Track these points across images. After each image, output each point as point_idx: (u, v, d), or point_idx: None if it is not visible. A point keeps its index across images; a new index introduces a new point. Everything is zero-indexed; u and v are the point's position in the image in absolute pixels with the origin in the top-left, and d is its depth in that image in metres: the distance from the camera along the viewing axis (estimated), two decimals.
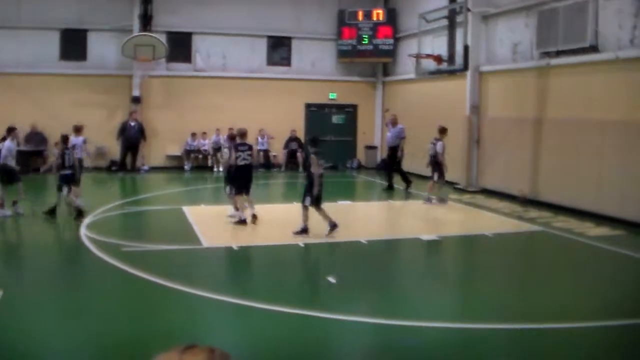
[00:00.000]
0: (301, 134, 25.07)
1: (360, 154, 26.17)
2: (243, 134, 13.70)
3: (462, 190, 18.63)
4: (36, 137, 21.85)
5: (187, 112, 23.56)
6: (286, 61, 25.31)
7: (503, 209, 15.87)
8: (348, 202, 17.62)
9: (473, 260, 12.01)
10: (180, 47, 23.73)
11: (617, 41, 13.92)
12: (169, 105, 23.63)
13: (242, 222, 13.23)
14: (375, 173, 23.59)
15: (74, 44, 22.87)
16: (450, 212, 16.08)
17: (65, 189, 13.69)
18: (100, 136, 22.78)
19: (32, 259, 10.94)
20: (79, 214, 13.52)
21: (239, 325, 7.62)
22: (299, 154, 24.28)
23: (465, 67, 17.92)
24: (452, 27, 18.58)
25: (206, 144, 23.88)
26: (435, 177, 16.53)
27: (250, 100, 24.05)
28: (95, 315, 7.70)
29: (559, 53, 15.64)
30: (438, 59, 18.74)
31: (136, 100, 23.04)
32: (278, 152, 24.78)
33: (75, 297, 8.57)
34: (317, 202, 12.20)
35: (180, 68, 24.03)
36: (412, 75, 21.28)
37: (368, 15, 24.69)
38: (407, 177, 19.16)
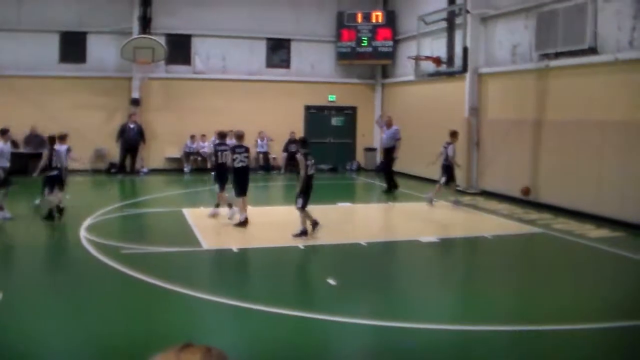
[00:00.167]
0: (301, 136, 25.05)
1: (360, 156, 26.17)
2: (240, 136, 13.76)
3: (462, 192, 18.61)
4: (35, 140, 21.82)
5: (187, 114, 23.56)
6: (285, 63, 25.33)
7: (503, 210, 15.87)
8: (347, 204, 17.63)
9: (473, 262, 12.01)
10: (179, 49, 23.75)
11: (616, 43, 13.93)
12: (169, 107, 23.63)
13: (243, 223, 13.24)
14: (375, 175, 23.58)
15: (73, 47, 22.88)
16: (450, 214, 16.08)
17: (47, 190, 13.68)
18: (100, 138, 22.84)
19: (32, 261, 10.93)
20: (59, 211, 13.62)
21: (239, 328, 7.62)
22: (298, 156, 24.22)
23: (465, 69, 17.93)
24: (451, 29, 18.60)
25: (205, 147, 23.84)
26: (443, 180, 16.47)
27: (249, 102, 24.07)
28: (94, 318, 7.69)
29: (558, 55, 15.66)
30: (437, 61, 18.75)
31: (135, 102, 23.04)
32: (277, 155, 24.78)
33: (74, 299, 8.55)
34: (296, 200, 12.25)
35: (179, 70, 24.04)
36: (411, 77, 21.29)
37: (367, 17, 24.70)
38: (391, 182, 19.12)
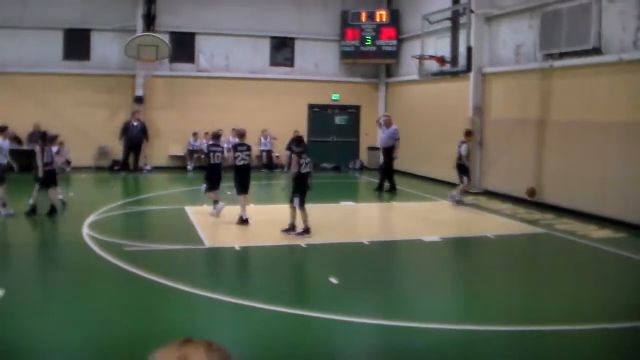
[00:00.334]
0: (304, 135, 25.04)
1: (363, 155, 26.17)
2: (242, 134, 13.82)
3: (465, 192, 18.57)
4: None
5: (190, 112, 23.59)
6: (289, 62, 25.33)
7: (506, 210, 15.85)
8: (351, 203, 17.63)
9: (475, 262, 11.99)
10: (183, 47, 23.77)
11: (621, 43, 13.90)
12: (172, 105, 23.66)
13: (245, 221, 13.26)
14: (378, 174, 23.55)
15: (77, 44, 22.91)
16: (453, 214, 16.06)
17: (37, 186, 13.71)
18: (103, 136, 22.88)
19: (34, 259, 10.97)
20: (33, 210, 13.66)
21: (241, 326, 7.62)
22: (292, 155, 24.26)
23: (469, 68, 17.90)
24: (455, 29, 18.56)
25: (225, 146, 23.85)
26: (466, 181, 16.46)
27: (253, 101, 24.08)
28: (96, 315, 7.70)
29: (562, 55, 15.62)
30: (441, 60, 18.73)
31: (139, 100, 23.06)
32: (281, 153, 24.77)
33: (77, 297, 8.57)
34: (292, 200, 12.29)
35: (183, 68, 24.06)
36: (415, 77, 21.23)
37: (371, 16, 24.69)
38: (384, 182, 19.09)
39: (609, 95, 14.18)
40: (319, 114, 25.73)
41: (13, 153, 15.09)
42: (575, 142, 15.17)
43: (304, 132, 24.96)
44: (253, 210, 14.10)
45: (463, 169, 16.49)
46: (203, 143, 23.66)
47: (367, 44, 24.75)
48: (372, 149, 25.83)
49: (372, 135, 26.04)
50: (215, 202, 14.11)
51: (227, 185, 14.43)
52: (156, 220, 15.19)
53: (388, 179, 19.28)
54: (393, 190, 19.11)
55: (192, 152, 23.85)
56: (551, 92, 16.07)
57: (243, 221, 13.25)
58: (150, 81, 23.28)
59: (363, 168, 25.82)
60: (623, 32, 13.83)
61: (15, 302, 8.07)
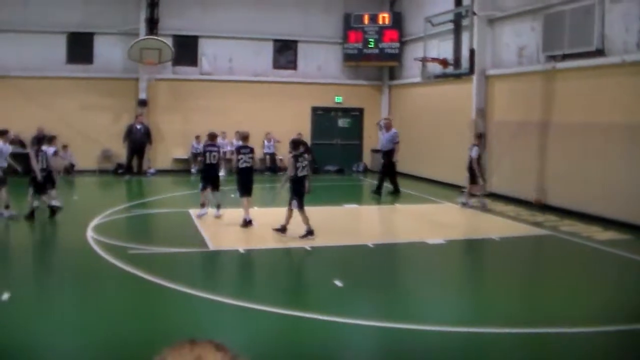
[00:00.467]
0: (308, 138, 25.10)
1: (367, 158, 26.18)
2: (245, 137, 13.87)
3: (464, 195, 18.57)
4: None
5: (194, 115, 23.61)
6: (292, 65, 25.36)
7: (509, 212, 15.83)
8: (354, 206, 17.63)
9: (480, 264, 12.00)
10: (186, 50, 23.81)
11: (624, 45, 13.89)
12: (175, 108, 23.69)
13: (248, 223, 13.29)
14: (377, 177, 23.55)
15: (80, 48, 22.95)
16: (457, 216, 16.06)
17: (31, 189, 13.73)
18: (107, 139, 22.91)
19: (39, 261, 10.99)
20: (31, 214, 13.66)
21: (245, 328, 7.63)
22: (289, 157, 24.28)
23: (471, 70, 17.91)
24: (458, 31, 18.59)
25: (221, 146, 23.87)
26: (481, 182, 16.29)
27: (256, 103, 24.12)
28: (101, 317, 7.71)
29: (565, 57, 15.62)
30: (444, 62, 18.75)
31: (142, 103, 23.10)
32: (284, 156, 24.76)
33: (81, 299, 8.59)
34: (290, 202, 12.31)
35: (186, 71, 24.09)
36: (418, 79, 21.28)
37: (374, 19, 24.71)
38: (382, 185, 19.04)
39: (612, 96, 14.16)
40: (322, 117, 25.76)
41: (17, 156, 15.15)
42: (578, 144, 15.16)
43: (307, 134, 25.02)
44: (256, 213, 14.10)
45: (472, 172, 16.28)
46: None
47: (369, 46, 24.77)
48: (376, 151, 25.80)
49: (374, 138, 26.02)
50: (202, 205, 14.29)
51: (231, 188, 14.45)
52: (160, 223, 15.20)
53: (390, 181, 19.22)
54: (396, 192, 19.08)
55: (195, 155, 23.82)
56: (554, 93, 16.07)
57: (246, 223, 13.27)
58: (153, 84, 23.32)
59: (366, 170, 25.81)
60: (626, 33, 13.83)
61: (20, 304, 8.09)
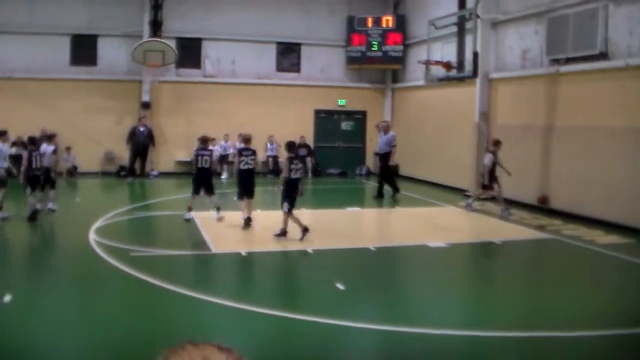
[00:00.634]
0: (310, 141, 25.13)
1: (369, 161, 26.14)
2: (247, 139, 13.93)
3: (471, 197, 18.54)
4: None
5: (197, 117, 23.62)
6: (295, 67, 25.37)
7: (512, 216, 15.78)
8: (356, 209, 17.61)
9: (481, 268, 11.97)
10: (189, 52, 23.84)
11: (627, 48, 13.86)
12: (179, 110, 23.71)
13: (247, 221, 13.38)
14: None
15: (84, 50, 23.01)
16: (459, 219, 16.03)
17: (28, 190, 13.74)
18: (110, 141, 22.93)
19: (41, 263, 10.98)
20: (34, 215, 13.62)
21: (247, 330, 7.61)
22: (308, 160, 24.31)
23: (475, 73, 17.91)
24: (461, 34, 18.59)
25: (215, 150, 23.86)
26: (496, 187, 15.87)
27: (259, 106, 24.12)
28: (103, 319, 7.70)
29: (568, 60, 15.59)
30: (447, 65, 18.75)
31: (146, 105, 23.12)
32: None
33: (83, 301, 8.59)
34: (282, 205, 12.35)
35: (189, 74, 24.11)
36: (421, 82, 21.29)
37: (377, 21, 24.71)
38: (383, 189, 18.95)
39: (616, 100, 14.13)
40: (325, 119, 25.75)
41: (19, 158, 15.16)
42: (581, 147, 15.12)
43: (310, 137, 25.06)
44: (259, 216, 14.10)
45: (490, 176, 15.85)
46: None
47: (373, 49, 24.76)
48: (376, 154, 25.80)
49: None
50: (189, 209, 14.30)
51: (234, 191, 14.44)
52: (162, 226, 15.20)
53: (389, 183, 19.09)
54: (396, 192, 18.92)
55: None
56: (557, 97, 16.04)
57: (245, 220, 13.32)
58: (156, 86, 23.34)
59: (369, 173, 25.78)
60: (630, 36, 13.80)
61: (21, 306, 8.09)
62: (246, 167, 13.48)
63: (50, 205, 14.71)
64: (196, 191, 14.35)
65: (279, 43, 25.01)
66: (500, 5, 18.38)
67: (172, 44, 22.80)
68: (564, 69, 15.72)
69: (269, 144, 24.21)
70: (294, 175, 12.32)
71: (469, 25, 18.30)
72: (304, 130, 24.83)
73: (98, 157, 23.07)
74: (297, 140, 24.19)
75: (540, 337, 7.33)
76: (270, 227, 13.06)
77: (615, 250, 11.95)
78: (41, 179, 14.07)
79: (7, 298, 8.12)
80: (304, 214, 15.18)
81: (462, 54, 18.54)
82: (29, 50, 22.21)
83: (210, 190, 14.39)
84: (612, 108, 14.22)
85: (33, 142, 14.25)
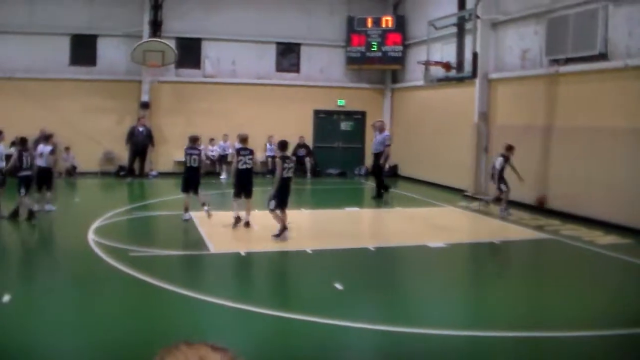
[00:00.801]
0: (310, 141, 25.12)
1: (369, 161, 26.03)
2: (244, 138, 13.97)
3: (471, 198, 18.56)
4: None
5: (196, 118, 23.59)
6: (295, 67, 25.37)
7: (512, 216, 15.77)
8: (355, 209, 17.60)
9: (481, 268, 11.96)
10: (189, 53, 23.83)
11: (627, 49, 13.87)
12: (178, 110, 23.70)
13: (237, 219, 13.49)
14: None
15: (83, 50, 23.01)
16: (458, 219, 16.03)
17: (22, 191, 13.72)
18: (109, 141, 22.92)
19: (40, 263, 10.97)
20: (30, 215, 13.64)
21: (245, 330, 7.60)
22: (307, 160, 24.32)
23: (474, 74, 17.91)
24: (461, 35, 18.60)
25: (214, 150, 23.88)
26: (504, 188, 15.72)
27: (258, 106, 24.11)
28: (101, 319, 7.70)
29: (568, 60, 15.60)
30: (447, 66, 18.75)
31: (145, 105, 23.11)
32: None
33: (82, 301, 8.58)
34: (281, 205, 12.43)
35: (189, 74, 24.11)
36: (420, 82, 21.28)
37: (377, 22, 24.70)
38: (382, 186, 18.86)
39: (615, 100, 14.14)
40: (324, 120, 25.74)
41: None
42: (581, 148, 15.12)
43: (309, 137, 25.06)
44: (257, 216, 14.09)
45: (500, 179, 15.78)
46: (209, 149, 23.70)
47: (372, 49, 24.76)
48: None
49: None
50: (185, 210, 14.29)
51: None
52: (161, 226, 15.20)
53: (377, 181, 18.99)
54: (386, 190, 18.82)
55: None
56: (557, 97, 16.04)
57: (242, 221, 13.47)
58: (156, 86, 23.34)
59: (368, 174, 25.73)
60: (629, 37, 13.80)
61: (20, 306, 8.09)
62: (244, 166, 13.53)
63: (47, 206, 14.68)
64: (185, 189, 14.40)
65: (278, 43, 25.00)
66: (500, 6, 18.38)
67: (172, 44, 22.80)
68: (564, 69, 15.72)
69: (268, 144, 24.19)
70: (285, 174, 12.44)
71: (468, 25, 18.31)
72: (304, 131, 24.84)
73: (97, 157, 23.05)
74: (297, 140, 24.36)
75: (540, 337, 7.33)
76: (269, 227, 13.05)
77: (615, 251, 11.95)
78: (33, 179, 14.03)
79: (6, 298, 8.11)
80: (303, 214, 15.21)
81: (461, 54, 18.54)
82: (29, 50, 22.21)
83: (196, 190, 14.39)
84: (612, 109, 14.23)
85: (23, 143, 14.23)
